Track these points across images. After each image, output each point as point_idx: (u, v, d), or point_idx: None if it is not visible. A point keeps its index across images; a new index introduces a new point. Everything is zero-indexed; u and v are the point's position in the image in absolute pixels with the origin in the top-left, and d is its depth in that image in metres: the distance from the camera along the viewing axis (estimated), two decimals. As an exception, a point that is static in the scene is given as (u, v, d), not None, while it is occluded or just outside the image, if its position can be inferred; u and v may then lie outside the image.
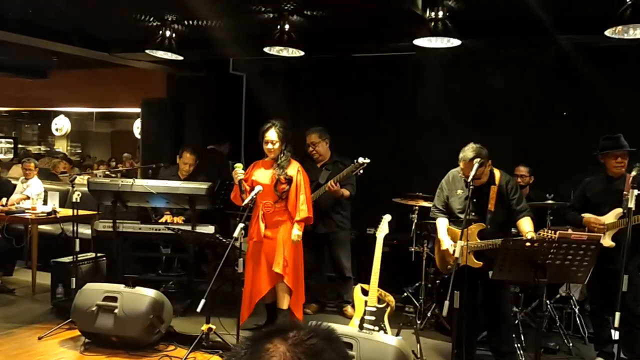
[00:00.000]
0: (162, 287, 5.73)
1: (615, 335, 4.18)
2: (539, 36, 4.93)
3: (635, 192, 3.75)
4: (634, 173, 3.91)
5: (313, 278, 5.56)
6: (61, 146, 13.14)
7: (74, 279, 5.19)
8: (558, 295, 5.21)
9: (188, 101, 7.66)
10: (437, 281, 5.18)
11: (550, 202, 5.05)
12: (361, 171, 5.08)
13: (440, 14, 4.30)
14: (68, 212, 6.07)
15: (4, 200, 6.46)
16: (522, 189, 5.30)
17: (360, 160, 5.02)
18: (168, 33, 5.45)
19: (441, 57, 5.99)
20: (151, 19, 5.48)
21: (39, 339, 4.72)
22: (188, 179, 5.79)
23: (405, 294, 5.63)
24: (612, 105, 5.61)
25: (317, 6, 4.84)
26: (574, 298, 5.12)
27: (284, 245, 4.63)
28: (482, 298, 4.24)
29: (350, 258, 5.55)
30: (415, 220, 5.49)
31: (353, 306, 4.78)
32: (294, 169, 4.69)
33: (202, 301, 3.95)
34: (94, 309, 4.48)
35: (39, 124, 13.61)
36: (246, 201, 4.40)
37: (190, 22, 5.50)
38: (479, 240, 4.02)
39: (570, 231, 4.12)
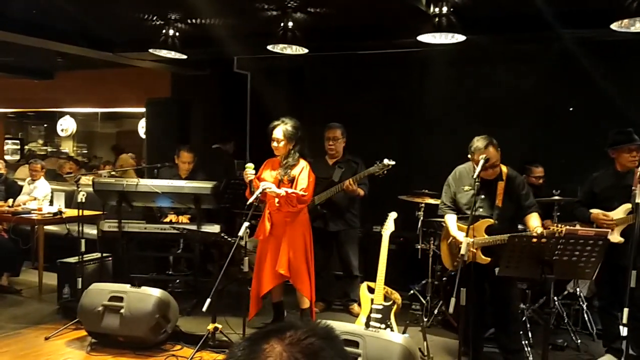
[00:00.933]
0: (169, 287, 5.73)
1: (624, 331, 4.15)
2: (544, 31, 4.89)
3: (644, 187, 3.71)
4: (641, 168, 3.87)
5: (321, 276, 5.53)
6: (67, 147, 13.17)
7: (80, 279, 5.20)
8: (566, 292, 5.17)
9: (193, 100, 7.66)
10: (444, 278, 5.15)
11: (557, 198, 5.01)
12: (385, 172, 5.03)
13: (445, 9, 4.28)
14: (74, 212, 6.08)
15: (10, 201, 6.48)
16: (535, 189, 5.27)
17: (386, 161, 4.97)
18: (172, 32, 5.45)
19: (447, 54, 5.95)
20: (155, 18, 5.48)
21: (46, 339, 4.73)
22: (189, 178, 5.78)
23: (412, 292, 5.61)
24: (619, 100, 5.56)
25: (320, 3, 4.82)
26: (581, 294, 5.09)
27: (289, 246, 4.59)
28: (490, 295, 4.21)
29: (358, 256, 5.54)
30: (422, 218, 5.46)
31: (359, 304, 4.77)
32: (298, 169, 4.60)
33: (208, 300, 3.94)
34: (100, 309, 4.48)
35: (45, 125, 13.65)
36: (250, 200, 4.37)
37: (194, 20, 5.49)
38: (486, 236, 4.00)
39: (578, 227, 4.08)
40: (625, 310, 3.65)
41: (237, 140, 7.69)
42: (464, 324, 3.74)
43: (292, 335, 0.98)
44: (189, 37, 5.65)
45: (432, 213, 5.41)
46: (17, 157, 11.97)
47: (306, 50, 5.13)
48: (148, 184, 5.26)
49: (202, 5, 4.87)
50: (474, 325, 4.02)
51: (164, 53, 5.65)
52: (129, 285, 4.65)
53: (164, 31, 5.47)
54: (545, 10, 4.38)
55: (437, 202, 5.18)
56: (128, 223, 5.40)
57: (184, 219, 5.81)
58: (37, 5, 5.25)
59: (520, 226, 4.36)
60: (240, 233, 4.11)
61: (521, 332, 4.40)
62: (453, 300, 3.59)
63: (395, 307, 4.23)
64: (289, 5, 4.82)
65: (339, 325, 3.64)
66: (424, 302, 5.33)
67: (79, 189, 5.33)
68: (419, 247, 5.53)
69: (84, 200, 5.19)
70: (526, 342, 4.44)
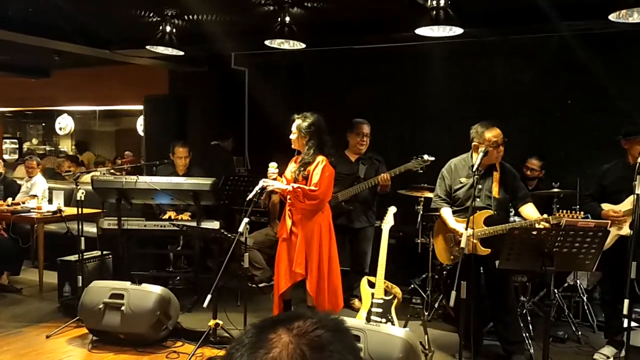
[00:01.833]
0: (169, 284, 5.73)
1: (625, 322, 4.15)
2: (541, 24, 4.89)
3: (644, 178, 3.70)
4: (641, 159, 3.86)
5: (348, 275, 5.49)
6: (66, 145, 13.16)
7: (80, 277, 5.19)
8: (566, 284, 5.18)
9: (190, 97, 7.65)
10: (444, 272, 5.15)
11: (556, 190, 5.02)
12: (423, 168, 5.01)
13: (442, 2, 4.26)
14: (73, 210, 6.07)
15: (9, 200, 6.48)
16: (529, 182, 5.28)
17: (426, 157, 4.96)
18: (168, 28, 5.44)
19: (444, 48, 5.95)
20: (151, 14, 5.46)
21: (47, 337, 4.73)
22: (186, 174, 5.78)
23: (412, 286, 5.61)
24: (617, 93, 5.56)
25: (317, -2, 4.81)
26: (581, 286, 5.09)
27: (306, 245, 4.45)
28: (486, 288, 4.22)
29: None
30: (421, 212, 5.46)
31: (360, 299, 4.77)
32: (314, 164, 4.42)
33: (209, 297, 3.95)
34: (100, 306, 4.48)
35: (43, 124, 13.62)
36: (250, 196, 4.35)
37: (191, 17, 5.47)
38: (485, 227, 4.00)
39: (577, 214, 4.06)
40: (626, 301, 3.65)
41: (236, 136, 7.69)
42: (465, 317, 3.74)
43: (300, 325, 0.95)
44: (186, 34, 5.64)
45: (431, 207, 5.40)
46: (16, 156, 11.95)
47: (304, 46, 5.12)
48: (147, 181, 5.25)
49: (199, 2, 4.85)
50: (475, 318, 4.03)
51: (161, 50, 5.64)
52: (129, 283, 4.65)
53: (160, 28, 5.45)
54: (542, 2, 4.37)
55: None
56: (127, 220, 5.40)
57: (184, 216, 5.80)
58: (33, 3, 5.23)
59: (517, 218, 4.36)
60: (240, 229, 4.11)
61: (521, 324, 4.41)
62: (454, 293, 3.59)
63: (395, 301, 4.23)
64: (286, 0, 4.81)
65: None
66: (425, 296, 5.34)
67: (78, 187, 5.32)
68: (419, 241, 5.53)
69: (83, 198, 5.18)
70: (527, 334, 4.45)
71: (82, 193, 5.17)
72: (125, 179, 5.32)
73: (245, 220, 4.14)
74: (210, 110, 7.69)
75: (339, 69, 7.12)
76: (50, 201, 6.68)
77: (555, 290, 4.94)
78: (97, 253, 5.67)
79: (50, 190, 6.94)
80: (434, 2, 4.27)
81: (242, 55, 7.47)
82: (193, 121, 7.62)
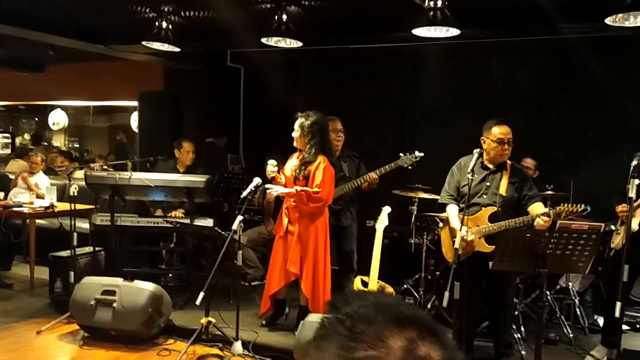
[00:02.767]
0: (161, 281, 5.71)
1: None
2: (539, 25, 4.90)
3: (636, 181, 3.71)
4: (635, 162, 3.87)
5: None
6: (59, 141, 13.09)
7: (72, 273, 5.17)
8: (558, 286, 5.20)
9: (186, 94, 7.62)
10: (437, 273, 5.16)
11: (550, 192, 5.03)
12: (414, 165, 4.98)
13: (440, 3, 4.26)
14: (66, 206, 6.03)
15: (1, 194, 6.43)
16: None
17: (417, 153, 4.94)
18: (165, 24, 5.41)
19: (441, 48, 5.95)
20: (148, 10, 5.44)
21: (38, 333, 4.70)
22: (188, 172, 5.76)
23: (405, 286, 5.61)
24: (614, 95, 5.58)
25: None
26: (573, 289, 5.11)
27: (302, 244, 4.46)
28: (487, 287, 4.21)
29: None
30: (415, 212, 5.45)
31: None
32: (315, 164, 4.44)
33: (202, 294, 3.93)
34: (92, 302, 4.46)
35: (36, 119, 13.55)
36: (244, 194, 4.35)
37: (187, 13, 5.45)
38: (489, 224, 4.00)
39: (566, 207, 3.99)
40: (618, 303, 3.66)
41: (231, 134, 7.66)
42: (458, 318, 3.75)
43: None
44: (182, 30, 5.61)
45: (425, 208, 5.41)
46: (8, 150, 11.88)
47: (300, 44, 5.11)
48: (141, 177, 5.22)
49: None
50: (468, 319, 4.03)
51: (156, 46, 5.61)
52: (121, 279, 4.63)
53: (157, 24, 5.41)
54: (540, 3, 4.38)
55: (431, 197, 5.20)
56: (121, 217, 5.38)
57: (177, 213, 5.78)
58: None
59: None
60: (234, 227, 4.09)
61: (513, 326, 4.42)
62: (447, 294, 3.59)
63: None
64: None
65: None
66: (417, 296, 5.34)
67: (71, 183, 5.29)
68: (412, 241, 5.52)
69: (76, 194, 5.15)
70: (519, 335, 4.46)
71: (75, 188, 5.14)
72: (119, 174, 5.29)
73: (240, 218, 4.13)
74: (206, 108, 7.67)
75: (335, 68, 7.11)
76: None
77: (547, 292, 4.96)
78: (90, 249, 5.64)
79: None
80: (432, 3, 4.27)
81: (238, 53, 7.45)
82: (188, 118, 7.59)
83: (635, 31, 4.20)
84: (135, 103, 8.33)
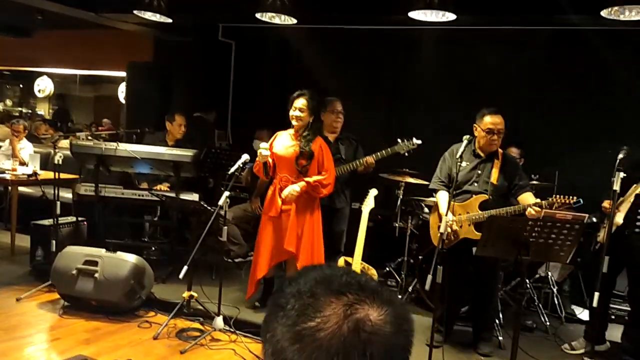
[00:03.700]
0: (144, 254, 5.68)
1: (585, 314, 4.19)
2: (533, 15, 4.90)
3: (621, 174, 3.76)
4: (620, 156, 3.92)
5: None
6: (43, 109, 12.87)
7: (54, 241, 5.12)
8: (537, 275, 5.27)
9: (175, 66, 7.53)
10: (420, 257, 5.20)
11: (535, 182, 5.07)
12: (411, 151, 4.96)
13: (437, -14, 4.24)
14: (49, 174, 5.97)
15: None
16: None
17: (414, 140, 4.92)
18: (157, -6, 5.32)
19: (434, 33, 5.93)
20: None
21: (17, 300, 4.67)
22: (177, 145, 5.70)
23: (388, 269, 5.65)
24: (603, 88, 5.62)
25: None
26: (552, 278, 5.19)
27: (298, 224, 4.45)
28: (474, 272, 4.25)
29: None
30: (401, 197, 5.48)
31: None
32: (316, 144, 4.43)
33: (185, 268, 3.93)
34: (74, 272, 4.43)
35: (21, 85, 13.30)
36: (232, 170, 4.32)
37: (181, -16, 5.37)
38: (479, 211, 4.03)
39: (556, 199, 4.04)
40: (596, 294, 3.73)
41: (219, 109, 7.60)
42: (440, 302, 3.79)
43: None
44: (174, 1, 5.52)
45: (411, 192, 5.43)
46: (-9, 116, 11.67)
47: (295, 21, 5.06)
48: (128, 148, 5.17)
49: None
50: (450, 303, 4.07)
51: (148, 15, 5.52)
52: (104, 250, 4.60)
53: (149, -7, 5.33)
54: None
55: (418, 181, 5.22)
56: (105, 187, 5.33)
57: (162, 187, 5.75)
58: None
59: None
60: (221, 202, 4.08)
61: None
62: (430, 277, 3.62)
63: (371, 282, 4.25)
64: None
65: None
66: (399, 279, 5.39)
67: (57, 151, 5.22)
68: (397, 225, 5.55)
69: (60, 163, 5.08)
70: (497, 322, 4.52)
71: (60, 157, 5.07)
72: (105, 145, 5.22)
73: (226, 194, 4.11)
74: (195, 82, 7.58)
75: (327, 48, 7.05)
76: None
77: (527, 280, 5.03)
78: (72, 219, 5.58)
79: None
80: (429, -14, 4.25)
81: (230, 27, 7.36)
82: (176, 91, 7.51)
83: (627, 24, 4.21)
84: (123, 74, 8.22)
